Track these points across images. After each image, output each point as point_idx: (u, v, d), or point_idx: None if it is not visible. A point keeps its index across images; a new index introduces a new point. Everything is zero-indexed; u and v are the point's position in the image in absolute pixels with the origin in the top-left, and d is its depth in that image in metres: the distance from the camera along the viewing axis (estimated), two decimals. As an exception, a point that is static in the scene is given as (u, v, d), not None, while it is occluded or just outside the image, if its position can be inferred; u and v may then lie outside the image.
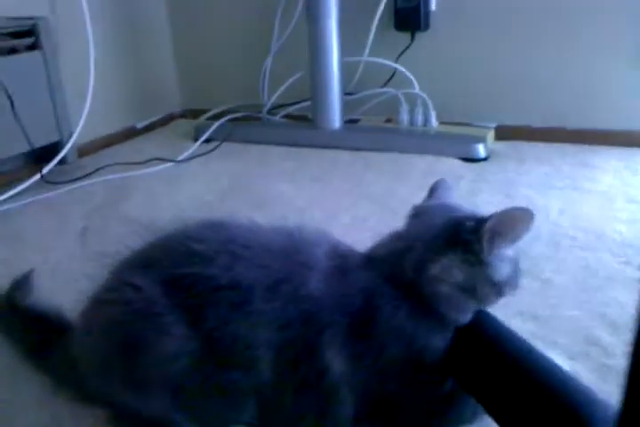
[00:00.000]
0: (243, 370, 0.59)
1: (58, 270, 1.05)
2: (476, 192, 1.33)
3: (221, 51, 1.99)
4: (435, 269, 0.60)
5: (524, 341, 0.66)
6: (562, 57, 1.61)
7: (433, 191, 0.76)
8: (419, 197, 1.32)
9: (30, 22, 1.41)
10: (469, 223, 0.61)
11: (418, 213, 0.70)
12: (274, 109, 1.88)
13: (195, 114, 2.03)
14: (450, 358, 0.61)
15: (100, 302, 0.65)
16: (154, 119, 1.97)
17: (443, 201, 0.72)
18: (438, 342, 0.61)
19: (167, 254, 0.64)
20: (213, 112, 1.97)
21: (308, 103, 1.77)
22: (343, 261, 0.65)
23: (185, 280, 0.60)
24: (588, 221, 1.16)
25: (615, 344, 0.80)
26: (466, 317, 0.62)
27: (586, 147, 1.59)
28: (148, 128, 1.94)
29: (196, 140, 1.77)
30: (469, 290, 0.61)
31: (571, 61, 1.61)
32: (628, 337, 0.81)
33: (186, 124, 1.96)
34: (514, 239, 0.60)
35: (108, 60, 1.75)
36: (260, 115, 1.87)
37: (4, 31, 1.37)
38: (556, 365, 0.63)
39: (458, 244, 0.60)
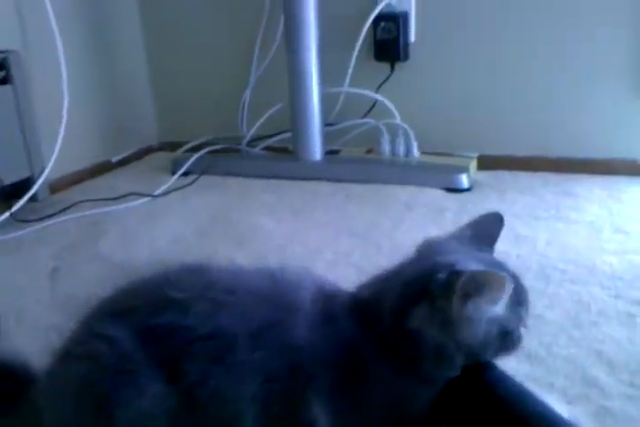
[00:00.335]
0: None
1: (25, 316, 0.99)
2: (462, 223, 1.30)
3: (199, 82, 1.96)
4: (410, 321, 0.55)
5: (521, 386, 0.62)
6: (543, 87, 1.62)
7: (475, 226, 0.70)
8: (402, 230, 1.30)
9: (1, 56, 1.38)
10: (441, 275, 0.54)
11: (421, 250, 0.64)
12: (254, 141, 1.85)
13: (172, 147, 2.00)
14: (442, 405, 0.57)
15: (68, 357, 0.60)
16: (129, 153, 1.93)
17: (457, 238, 0.66)
18: (426, 395, 0.56)
19: (142, 302, 0.59)
20: (191, 144, 1.94)
21: (288, 135, 1.75)
22: (329, 305, 0.60)
23: (161, 331, 0.55)
24: (577, 253, 1.13)
25: (613, 385, 0.76)
26: (453, 372, 0.57)
27: (568, 176, 1.58)
28: (124, 162, 1.90)
29: (173, 173, 1.73)
30: (446, 347, 0.55)
31: (551, 91, 1.61)
32: (625, 377, 0.78)
33: (163, 158, 1.92)
34: (489, 302, 0.54)
35: (82, 93, 1.71)
36: (240, 147, 1.84)
37: (-26, 65, 1.33)
38: (554, 412, 0.59)
39: (426, 296, 0.55)
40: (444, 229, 1.27)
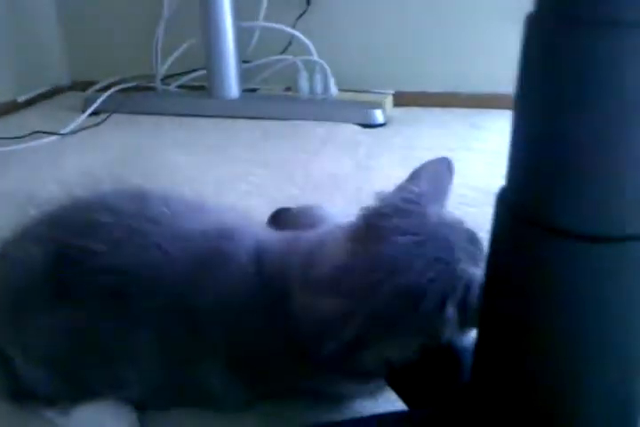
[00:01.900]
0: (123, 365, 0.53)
1: None
2: (375, 156, 1.33)
3: (110, 17, 1.86)
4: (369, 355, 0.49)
5: None
6: (455, 25, 1.63)
7: (415, 178, 0.56)
8: (316, 163, 1.31)
9: None
10: (428, 304, 0.44)
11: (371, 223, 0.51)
12: (168, 79, 1.80)
13: (84, 86, 1.90)
14: None
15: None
16: (37, 92, 1.83)
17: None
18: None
19: (71, 222, 0.59)
20: (104, 83, 1.85)
21: (204, 72, 1.70)
22: (259, 263, 0.53)
23: (76, 254, 0.54)
24: (477, 179, 1.19)
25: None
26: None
27: (479, 110, 1.63)
28: (31, 102, 1.80)
29: (83, 112, 1.66)
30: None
31: (464, 29, 1.63)
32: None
33: (74, 97, 1.84)
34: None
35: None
36: (154, 85, 1.78)
37: None
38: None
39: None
40: (356, 161, 1.31)
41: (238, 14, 1.60)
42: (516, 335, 0.38)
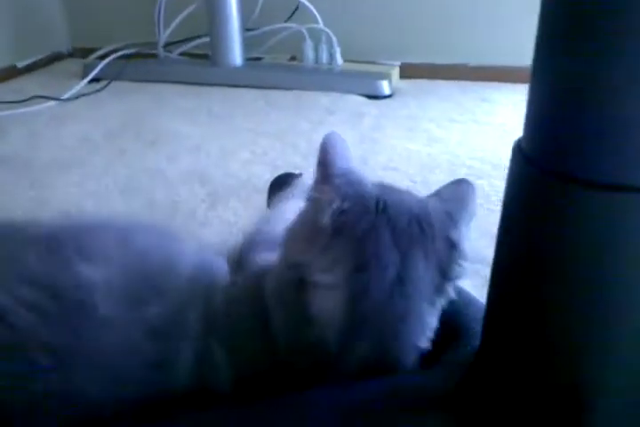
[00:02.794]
0: None
1: None
2: (380, 128, 1.31)
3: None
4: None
5: None
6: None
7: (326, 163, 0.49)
8: (320, 133, 1.28)
9: None
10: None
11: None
12: (170, 46, 1.76)
13: (84, 53, 1.86)
14: None
15: None
16: (37, 58, 1.79)
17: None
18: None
19: None
20: (105, 50, 1.81)
21: (205, 39, 1.66)
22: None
23: None
24: (485, 151, 1.16)
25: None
26: None
27: (487, 84, 1.59)
28: (31, 68, 1.76)
29: (83, 79, 1.62)
30: None
31: (472, 0, 1.59)
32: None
33: (74, 64, 1.80)
34: None
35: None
36: (156, 52, 1.74)
37: None
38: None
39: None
40: (361, 132, 1.28)
41: (242, -21, 1.55)
42: (530, 290, 0.37)
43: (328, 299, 0.43)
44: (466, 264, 0.48)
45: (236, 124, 1.35)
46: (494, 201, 0.96)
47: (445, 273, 0.46)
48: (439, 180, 1.04)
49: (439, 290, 0.46)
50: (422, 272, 0.44)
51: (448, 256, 0.46)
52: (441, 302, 0.47)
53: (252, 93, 1.55)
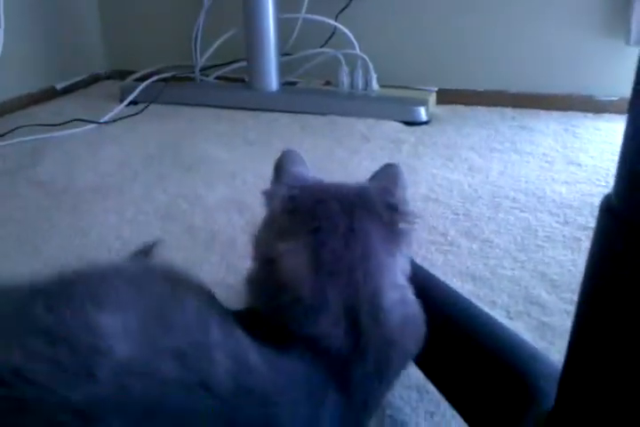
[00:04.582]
0: None
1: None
2: (418, 156, 1.29)
3: (151, 7, 1.85)
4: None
5: (464, 297, 0.62)
6: (504, 20, 1.58)
7: (280, 168, 0.60)
8: (357, 161, 1.27)
9: None
10: None
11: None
12: (207, 70, 1.77)
13: (122, 75, 1.89)
14: None
15: None
16: (76, 80, 1.82)
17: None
18: None
19: None
20: (142, 73, 1.83)
21: (243, 64, 1.67)
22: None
23: None
24: (528, 183, 1.14)
25: (554, 302, 0.78)
26: None
27: (526, 111, 1.57)
28: (70, 89, 1.79)
29: (121, 101, 1.64)
30: None
31: (511, 26, 1.57)
32: (567, 295, 0.79)
33: (111, 86, 1.82)
34: None
35: (21, 15, 1.58)
36: (193, 75, 1.76)
37: None
38: (497, 321, 0.60)
39: None
40: (400, 160, 1.26)
41: (280, 6, 1.56)
42: (623, 351, 0.34)
43: (293, 261, 0.49)
44: (415, 221, 0.55)
45: (272, 149, 1.34)
46: (541, 236, 0.93)
47: (393, 229, 0.52)
48: (482, 213, 1.01)
49: (392, 241, 0.52)
50: (370, 227, 0.50)
51: (390, 216, 0.52)
52: (400, 253, 0.52)
53: (287, 118, 1.55)
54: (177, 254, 0.91)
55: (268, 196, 0.56)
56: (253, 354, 0.44)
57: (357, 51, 1.62)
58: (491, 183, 1.14)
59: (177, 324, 0.45)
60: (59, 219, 1.02)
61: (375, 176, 0.61)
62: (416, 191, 1.10)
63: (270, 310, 0.50)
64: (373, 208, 0.52)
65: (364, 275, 0.48)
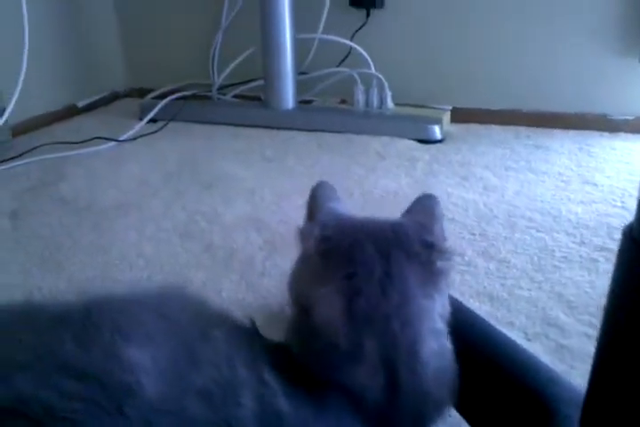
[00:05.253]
0: None
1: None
2: (433, 174, 1.30)
3: (168, 26, 1.89)
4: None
5: (482, 318, 0.62)
6: (517, 40, 1.59)
7: (313, 204, 0.58)
8: (373, 179, 1.29)
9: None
10: None
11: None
12: (225, 88, 1.80)
13: (141, 93, 1.93)
14: None
15: None
16: (96, 98, 1.86)
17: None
18: None
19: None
20: (160, 91, 1.87)
21: (260, 82, 1.70)
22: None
23: None
24: (544, 202, 1.14)
25: (572, 324, 0.78)
26: None
27: (540, 129, 1.58)
28: (90, 107, 1.83)
29: (141, 119, 1.67)
30: None
31: (525, 45, 1.59)
32: (585, 317, 0.79)
33: (131, 104, 1.86)
34: None
35: (44, 35, 1.63)
36: (210, 94, 1.79)
37: None
38: (516, 343, 0.60)
39: None
40: (415, 178, 1.28)
41: (297, 26, 1.59)
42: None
43: (327, 307, 0.48)
44: (454, 259, 0.53)
45: (289, 167, 1.37)
46: (558, 257, 0.94)
47: (431, 269, 0.50)
48: (498, 232, 1.02)
49: (430, 283, 0.50)
50: (407, 269, 0.49)
51: (428, 255, 0.50)
52: (438, 295, 0.50)
53: (303, 136, 1.57)
54: (197, 273, 0.92)
55: (302, 234, 0.53)
56: (283, 398, 0.44)
57: (373, 70, 1.65)
58: (506, 202, 1.15)
59: (205, 360, 0.45)
60: (81, 236, 1.04)
61: (412, 208, 0.58)
62: (432, 210, 1.11)
63: (304, 353, 0.49)
64: (410, 248, 0.50)
65: (402, 323, 0.47)
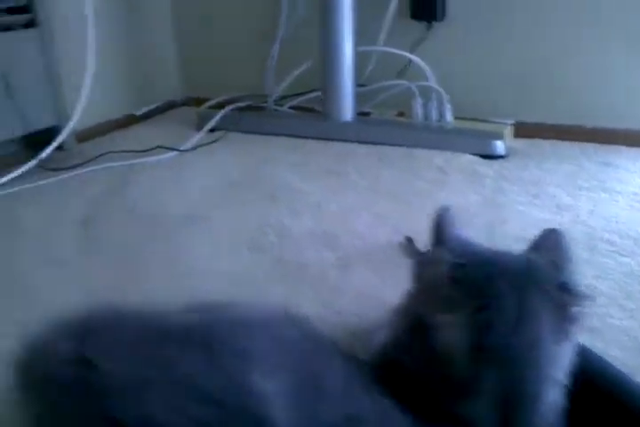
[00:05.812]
0: None
1: (68, 266, 0.97)
2: (502, 192, 1.27)
3: (225, 36, 1.90)
4: None
5: (617, 370, 0.59)
6: (583, 53, 1.56)
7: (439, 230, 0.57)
8: (441, 194, 1.27)
9: (27, -3, 1.31)
10: None
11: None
12: (280, 100, 1.80)
13: (196, 102, 1.94)
14: None
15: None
16: (153, 106, 1.88)
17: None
18: None
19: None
20: (215, 101, 1.88)
21: (315, 94, 1.70)
22: None
23: None
24: (619, 224, 1.10)
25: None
26: None
27: (606, 146, 1.53)
28: (148, 116, 1.85)
29: (198, 128, 1.68)
30: None
31: (591, 59, 1.55)
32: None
33: (187, 113, 1.88)
34: None
35: (108, 44, 1.64)
36: (266, 105, 1.79)
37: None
38: (627, 376, 0.57)
39: None
40: (483, 195, 1.25)
41: (358, 38, 1.58)
42: None
43: (451, 334, 0.47)
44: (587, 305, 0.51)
45: (352, 181, 1.35)
46: (647, 283, 0.90)
47: (564, 313, 0.49)
48: (579, 255, 0.98)
49: (561, 328, 0.48)
50: (541, 310, 0.47)
51: (562, 297, 0.48)
52: (568, 343, 0.49)
53: (363, 149, 1.55)
54: (271, 288, 0.91)
55: (428, 260, 0.53)
56: None
57: (432, 83, 1.63)
58: (582, 223, 1.11)
59: (329, 391, 0.44)
60: (153, 246, 1.04)
61: (539, 244, 0.56)
62: (507, 230, 1.08)
63: (416, 374, 0.49)
64: (544, 288, 0.48)
65: (528, 367, 0.46)
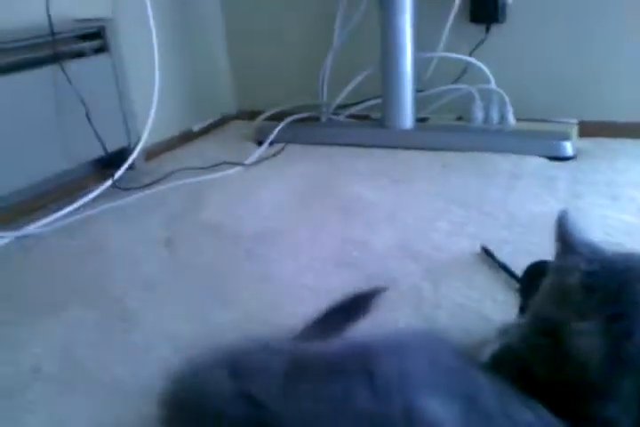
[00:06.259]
0: None
1: (156, 287, 0.98)
2: (578, 195, 1.24)
3: (277, 48, 1.91)
4: None
5: None
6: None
7: (566, 236, 0.57)
8: (515, 200, 1.25)
9: (98, 24, 1.34)
10: None
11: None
12: (336, 109, 1.80)
13: (250, 115, 1.96)
14: None
15: None
16: (210, 121, 1.90)
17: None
18: None
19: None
20: (269, 113, 1.89)
21: (374, 102, 1.69)
22: None
23: None
24: None
25: None
26: None
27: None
28: (204, 131, 1.87)
29: (257, 142, 1.70)
30: None
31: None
32: None
33: (242, 126, 1.90)
34: None
35: (169, 62, 1.68)
36: (322, 115, 1.79)
37: (72, 34, 1.30)
38: None
39: None
40: (560, 199, 1.23)
41: (417, 43, 1.57)
42: None
43: (586, 342, 0.47)
44: None
45: (420, 189, 1.34)
46: None
47: None
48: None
49: None
50: None
51: None
52: None
53: (424, 156, 1.54)
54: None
55: (560, 268, 0.54)
56: None
57: (493, 85, 1.61)
58: (671, 227, 1.08)
59: (489, 411, 0.44)
60: (238, 264, 1.05)
61: None
62: (591, 236, 1.06)
63: (548, 378, 0.49)
64: None
65: None
